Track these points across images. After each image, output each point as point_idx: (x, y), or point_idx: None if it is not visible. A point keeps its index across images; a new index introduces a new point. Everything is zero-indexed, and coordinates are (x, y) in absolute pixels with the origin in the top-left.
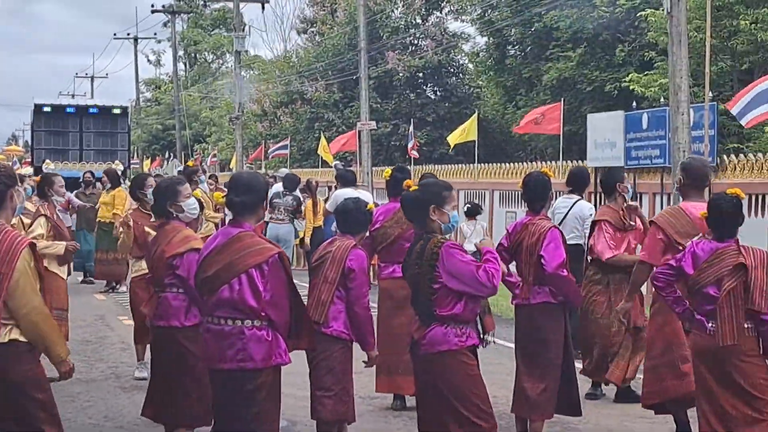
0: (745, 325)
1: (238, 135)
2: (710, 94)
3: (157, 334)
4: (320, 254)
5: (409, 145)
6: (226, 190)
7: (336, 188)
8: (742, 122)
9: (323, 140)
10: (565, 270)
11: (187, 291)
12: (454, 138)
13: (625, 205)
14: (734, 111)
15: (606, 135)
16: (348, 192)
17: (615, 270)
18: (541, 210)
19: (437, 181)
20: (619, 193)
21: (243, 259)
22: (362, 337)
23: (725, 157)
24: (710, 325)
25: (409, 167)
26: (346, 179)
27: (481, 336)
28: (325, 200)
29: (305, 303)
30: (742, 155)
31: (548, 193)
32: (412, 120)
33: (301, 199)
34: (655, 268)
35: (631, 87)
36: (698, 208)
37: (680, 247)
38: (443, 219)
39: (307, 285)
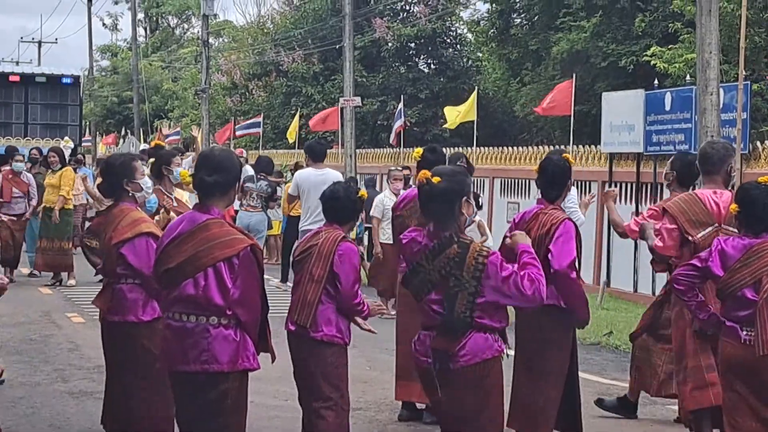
0: None
1: (204, 110)
2: (743, 72)
3: (111, 331)
4: (303, 247)
5: (396, 125)
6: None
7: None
8: None
9: (296, 119)
10: (574, 272)
11: (141, 282)
12: (452, 119)
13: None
14: None
15: (623, 117)
16: (310, 172)
17: None
18: (556, 199)
19: (454, 167)
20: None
21: (210, 251)
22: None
23: (759, 143)
24: (745, 333)
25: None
26: (315, 152)
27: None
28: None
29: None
30: None
31: (567, 182)
32: (402, 96)
33: (276, 184)
34: (675, 270)
35: (652, 62)
36: (718, 194)
37: (689, 237)
38: (469, 212)
39: (277, 281)
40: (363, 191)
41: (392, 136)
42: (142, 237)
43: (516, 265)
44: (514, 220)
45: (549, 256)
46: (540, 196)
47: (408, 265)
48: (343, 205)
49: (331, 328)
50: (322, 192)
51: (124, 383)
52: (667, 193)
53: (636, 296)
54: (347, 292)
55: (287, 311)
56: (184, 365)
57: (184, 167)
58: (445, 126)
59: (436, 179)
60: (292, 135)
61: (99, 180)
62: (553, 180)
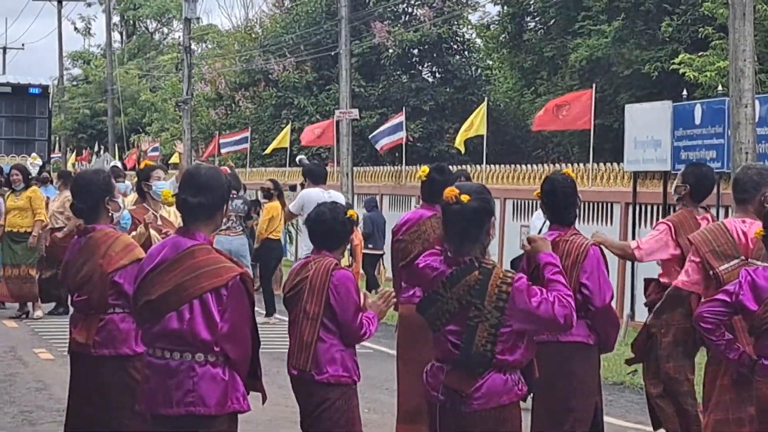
0: None
1: (186, 124)
2: None
3: (98, 367)
4: (293, 282)
5: (391, 137)
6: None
7: (302, 187)
8: None
9: (285, 131)
10: (611, 305)
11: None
12: (461, 137)
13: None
14: None
15: (648, 131)
16: (317, 193)
17: None
18: (572, 222)
19: (485, 188)
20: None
21: (196, 281)
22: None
23: None
24: None
25: (400, 166)
26: (315, 175)
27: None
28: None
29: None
30: None
31: (576, 200)
32: (404, 108)
33: (250, 203)
34: (701, 306)
35: (680, 71)
36: (747, 224)
37: (711, 272)
38: (492, 234)
39: (263, 312)
40: (352, 211)
41: (382, 144)
42: (135, 264)
43: (544, 289)
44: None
45: (584, 291)
46: (551, 223)
47: (423, 292)
48: (331, 228)
49: (336, 367)
50: (306, 216)
51: (114, 425)
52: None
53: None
54: (350, 326)
55: (287, 352)
56: (167, 408)
57: (168, 187)
58: (450, 144)
59: (465, 197)
60: (278, 143)
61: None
62: (564, 201)
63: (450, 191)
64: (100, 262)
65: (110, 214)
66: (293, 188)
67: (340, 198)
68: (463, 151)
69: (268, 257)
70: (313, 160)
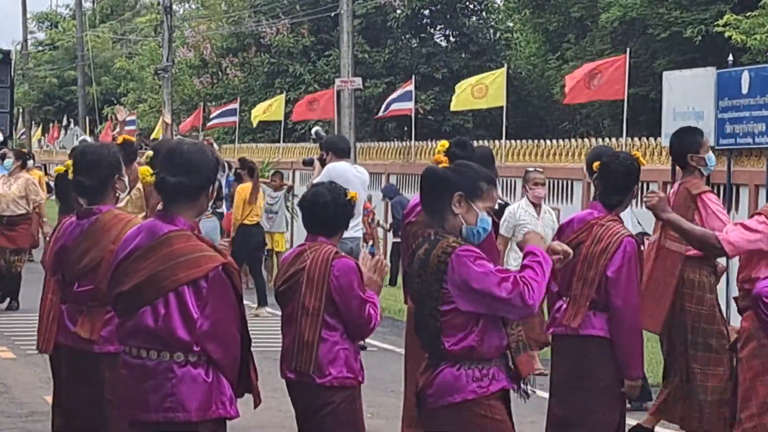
0: None
1: (166, 94)
2: None
3: (95, 364)
4: (287, 273)
5: (396, 105)
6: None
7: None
8: None
9: (278, 99)
10: (639, 313)
11: None
12: (464, 98)
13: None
14: None
15: (689, 101)
16: (345, 167)
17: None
18: (617, 206)
19: (478, 166)
20: (694, 166)
21: (172, 271)
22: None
23: None
24: None
25: (408, 142)
26: (339, 148)
27: (520, 382)
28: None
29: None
30: None
31: (634, 186)
32: (414, 76)
33: (223, 181)
34: (760, 283)
35: (726, 33)
36: None
37: None
38: (468, 218)
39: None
40: (353, 193)
41: (383, 110)
42: None
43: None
44: (560, 227)
45: (608, 286)
46: (595, 200)
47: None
48: (330, 211)
49: (341, 368)
50: (302, 197)
51: (111, 427)
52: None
53: None
54: (358, 320)
55: (280, 354)
56: (144, 413)
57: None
58: (455, 108)
59: (444, 164)
60: (258, 116)
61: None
62: (618, 182)
63: (436, 158)
64: (112, 248)
65: (117, 195)
66: (308, 163)
67: (365, 177)
68: (458, 107)
69: (248, 245)
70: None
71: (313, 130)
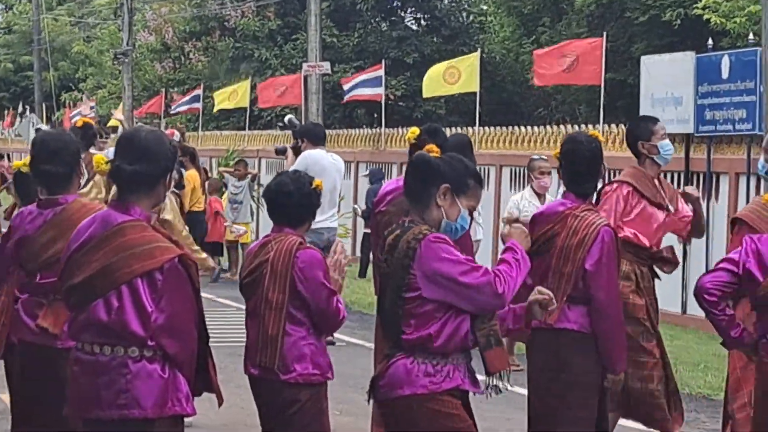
0: None
1: (126, 80)
2: None
3: (57, 360)
4: (252, 265)
5: (364, 90)
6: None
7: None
8: None
9: (243, 85)
10: (620, 305)
11: None
12: (435, 84)
13: (682, 190)
14: None
15: (668, 87)
16: (321, 154)
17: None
18: (590, 194)
19: (469, 162)
20: (646, 155)
21: (125, 262)
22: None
23: None
24: None
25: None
26: (314, 135)
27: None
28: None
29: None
30: None
31: (600, 168)
32: (384, 61)
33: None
34: (703, 276)
35: (705, 16)
36: None
37: None
38: (451, 212)
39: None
40: (318, 181)
41: (352, 95)
42: None
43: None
44: (533, 218)
45: (587, 279)
46: (565, 191)
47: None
48: (295, 201)
49: (306, 364)
50: (266, 186)
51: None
52: (725, 187)
53: (685, 319)
54: (325, 312)
55: (244, 349)
56: (98, 410)
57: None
58: (427, 95)
59: (436, 152)
60: (222, 102)
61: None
62: (583, 167)
63: (429, 147)
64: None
65: (80, 182)
66: (281, 151)
67: (341, 166)
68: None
69: (194, 233)
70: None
71: (286, 118)
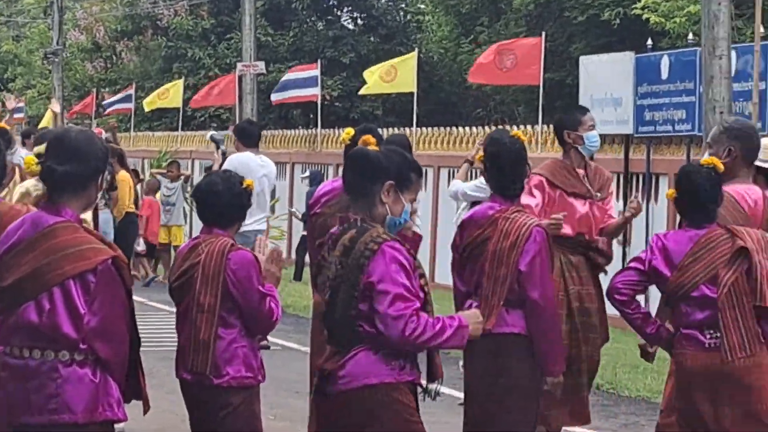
0: (759, 330)
1: (56, 80)
2: (762, 30)
3: None
4: (181, 268)
5: (298, 92)
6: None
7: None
8: None
9: (176, 85)
10: (554, 302)
11: None
12: (374, 82)
13: (630, 205)
14: None
15: (607, 87)
16: (249, 157)
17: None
18: (518, 195)
19: (407, 154)
20: (571, 144)
21: (57, 264)
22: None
23: None
24: (708, 337)
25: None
26: (247, 135)
27: (426, 385)
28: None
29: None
30: None
31: (525, 169)
32: (320, 61)
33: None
34: (614, 277)
35: (644, 16)
36: (751, 194)
37: None
38: (395, 208)
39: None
40: (249, 181)
41: (285, 96)
42: None
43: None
44: (462, 224)
45: (522, 280)
46: (492, 194)
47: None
48: (225, 201)
49: (239, 367)
50: (195, 187)
51: None
52: (664, 188)
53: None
54: (258, 315)
55: (175, 353)
56: (27, 415)
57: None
58: (365, 92)
59: (374, 146)
60: (153, 102)
61: None
62: (513, 170)
63: (366, 138)
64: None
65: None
66: (208, 169)
67: (272, 168)
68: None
69: (132, 234)
70: (213, 125)
71: (208, 135)
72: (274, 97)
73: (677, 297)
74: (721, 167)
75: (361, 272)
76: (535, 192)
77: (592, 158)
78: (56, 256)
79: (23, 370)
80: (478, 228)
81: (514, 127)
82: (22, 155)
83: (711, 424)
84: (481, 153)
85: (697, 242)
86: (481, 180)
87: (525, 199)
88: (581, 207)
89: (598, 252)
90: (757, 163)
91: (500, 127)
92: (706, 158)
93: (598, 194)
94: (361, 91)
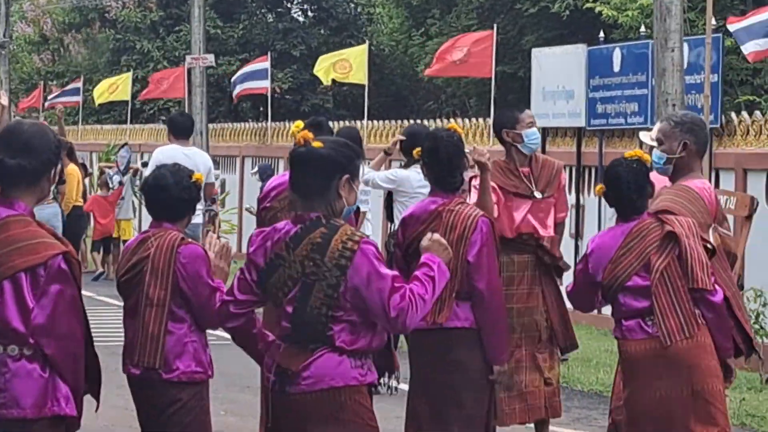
0: (696, 312)
1: (3, 72)
2: (713, 22)
3: None
4: (130, 262)
5: (249, 84)
6: None
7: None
8: (744, 50)
9: (124, 78)
10: (501, 292)
11: None
12: (325, 69)
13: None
14: (733, 28)
15: (559, 80)
16: (173, 150)
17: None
18: (458, 188)
19: (350, 143)
20: (510, 143)
21: (8, 257)
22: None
23: (734, 114)
24: (650, 324)
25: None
26: (175, 125)
27: (379, 378)
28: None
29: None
30: (758, 112)
31: (463, 161)
32: (270, 53)
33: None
34: (568, 284)
35: (596, 9)
36: (707, 189)
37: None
38: (350, 198)
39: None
40: (198, 174)
41: (238, 90)
42: None
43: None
44: (403, 220)
45: (470, 271)
46: (433, 188)
47: (263, 261)
48: (174, 195)
49: (189, 362)
50: (144, 180)
51: None
52: None
53: (576, 315)
54: (207, 309)
55: (122, 348)
56: None
57: None
58: (325, 98)
59: (317, 144)
60: (102, 95)
61: None
62: (450, 164)
63: (303, 134)
64: None
65: None
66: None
67: (204, 158)
68: (327, 82)
69: (81, 228)
70: (161, 117)
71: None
72: (234, 93)
73: (613, 289)
74: (648, 159)
75: (341, 273)
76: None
77: (544, 151)
78: (8, 250)
79: None
80: (420, 223)
81: (460, 121)
82: None
83: (659, 409)
84: (398, 144)
85: (628, 234)
86: (394, 171)
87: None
88: (522, 206)
89: (544, 251)
90: (647, 141)
91: (451, 119)
92: (630, 152)
93: (540, 194)
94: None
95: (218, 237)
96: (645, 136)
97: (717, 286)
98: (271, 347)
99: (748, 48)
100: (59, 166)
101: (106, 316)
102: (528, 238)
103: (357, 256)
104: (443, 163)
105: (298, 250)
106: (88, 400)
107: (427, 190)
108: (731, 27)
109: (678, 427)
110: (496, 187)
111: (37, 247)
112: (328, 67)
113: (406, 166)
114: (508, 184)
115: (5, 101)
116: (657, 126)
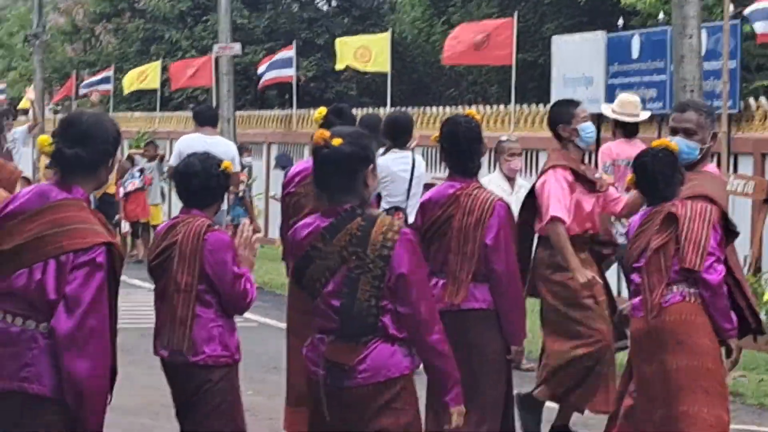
0: (690, 290)
1: (37, 62)
2: (731, 9)
3: None
4: (159, 247)
5: (275, 73)
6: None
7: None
8: (756, 30)
9: (153, 66)
10: (518, 274)
11: None
12: (346, 57)
13: (597, 175)
14: (747, 12)
15: (579, 67)
16: (197, 139)
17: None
18: (476, 173)
19: (366, 132)
20: (567, 138)
21: (58, 237)
22: None
23: (752, 100)
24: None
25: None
26: (200, 115)
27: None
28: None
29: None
30: None
31: (481, 148)
32: (295, 42)
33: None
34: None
35: None
36: (720, 173)
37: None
38: (374, 185)
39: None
40: (227, 162)
41: (264, 79)
42: None
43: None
44: (421, 205)
45: (488, 253)
46: (451, 173)
47: (298, 254)
48: (202, 183)
49: (215, 345)
50: (178, 168)
51: None
52: None
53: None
54: (232, 296)
55: (153, 331)
56: None
57: (15, 136)
58: (340, 68)
59: (336, 141)
60: (132, 84)
61: None
62: (469, 149)
63: (319, 134)
64: None
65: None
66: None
67: (227, 146)
68: (341, 67)
69: (112, 212)
70: (190, 105)
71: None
72: (261, 82)
73: (627, 270)
74: (675, 148)
75: (385, 263)
76: (565, 186)
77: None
78: (59, 230)
79: (3, 335)
80: (439, 208)
81: (481, 108)
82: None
83: (655, 385)
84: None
85: (644, 217)
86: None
87: (558, 194)
88: (591, 201)
89: (602, 244)
90: (620, 117)
91: (473, 106)
92: (657, 141)
93: (601, 188)
94: (337, 67)
95: (252, 221)
96: (606, 109)
97: (716, 267)
98: (311, 341)
99: (758, 28)
100: (117, 155)
101: (135, 299)
102: (589, 234)
103: (398, 243)
104: (462, 148)
105: (335, 240)
106: (121, 380)
107: (405, 167)
108: (747, 12)
109: (671, 402)
110: (571, 180)
111: (86, 233)
112: (348, 53)
113: (386, 151)
114: (581, 176)
115: (32, 96)
116: (685, 116)
